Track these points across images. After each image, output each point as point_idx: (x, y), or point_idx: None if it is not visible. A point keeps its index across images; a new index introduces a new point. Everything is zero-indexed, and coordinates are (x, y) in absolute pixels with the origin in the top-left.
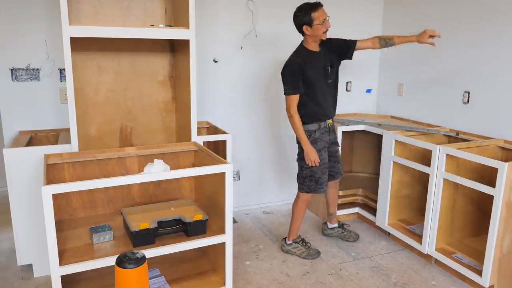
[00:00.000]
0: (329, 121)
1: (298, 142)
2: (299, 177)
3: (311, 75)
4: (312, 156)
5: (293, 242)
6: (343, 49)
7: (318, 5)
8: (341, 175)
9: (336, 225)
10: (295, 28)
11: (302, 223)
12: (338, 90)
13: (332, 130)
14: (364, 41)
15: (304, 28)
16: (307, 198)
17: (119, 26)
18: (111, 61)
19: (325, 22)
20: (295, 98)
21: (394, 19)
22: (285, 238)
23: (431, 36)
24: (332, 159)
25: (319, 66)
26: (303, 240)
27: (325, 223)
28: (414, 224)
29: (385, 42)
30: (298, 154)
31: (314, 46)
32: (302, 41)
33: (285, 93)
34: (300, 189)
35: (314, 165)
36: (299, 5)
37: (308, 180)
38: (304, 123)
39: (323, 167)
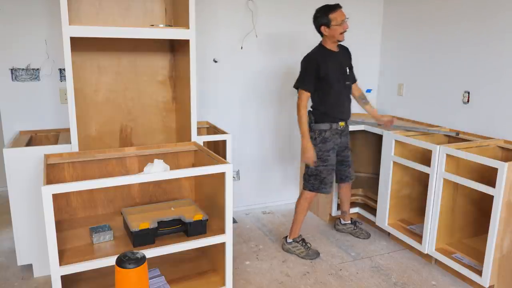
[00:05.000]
0: (341, 123)
1: None
2: (305, 174)
3: (328, 74)
4: (308, 153)
5: (293, 241)
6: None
7: (336, 7)
8: (351, 179)
9: (348, 221)
10: (315, 29)
11: (303, 223)
12: None
13: (344, 134)
14: (356, 87)
15: (322, 28)
16: (311, 196)
17: (119, 26)
18: (111, 61)
19: (343, 23)
20: (304, 93)
21: (394, 19)
22: (286, 236)
23: (389, 122)
24: (344, 163)
25: (336, 66)
26: (303, 240)
27: (339, 219)
28: (414, 224)
29: (362, 101)
30: None
31: (332, 47)
32: (321, 41)
33: (294, 86)
34: (304, 187)
35: (309, 163)
36: (318, 6)
37: (313, 178)
38: (316, 121)
39: (329, 168)
